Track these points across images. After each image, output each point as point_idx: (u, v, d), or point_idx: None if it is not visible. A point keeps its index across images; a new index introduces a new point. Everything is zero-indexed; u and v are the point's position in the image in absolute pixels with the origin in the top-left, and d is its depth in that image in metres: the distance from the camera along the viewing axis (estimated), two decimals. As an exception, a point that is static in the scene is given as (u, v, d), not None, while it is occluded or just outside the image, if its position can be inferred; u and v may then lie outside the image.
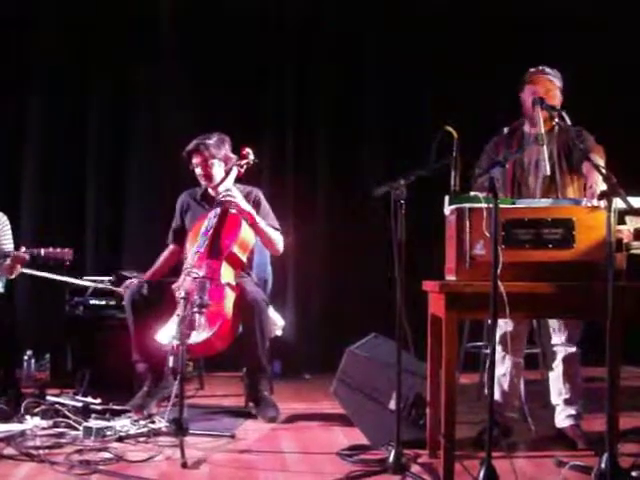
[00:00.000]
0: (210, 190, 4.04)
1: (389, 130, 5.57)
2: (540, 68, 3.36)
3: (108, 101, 5.46)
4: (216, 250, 3.77)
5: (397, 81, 5.53)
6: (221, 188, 3.91)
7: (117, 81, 5.45)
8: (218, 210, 3.86)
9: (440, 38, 5.52)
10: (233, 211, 3.85)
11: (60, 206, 5.40)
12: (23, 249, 3.97)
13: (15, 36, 5.32)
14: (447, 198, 2.85)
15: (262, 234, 3.94)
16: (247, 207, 3.88)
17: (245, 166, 4.03)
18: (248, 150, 4.06)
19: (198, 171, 3.98)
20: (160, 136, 5.48)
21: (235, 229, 3.83)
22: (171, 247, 4.16)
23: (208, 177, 3.97)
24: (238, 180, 4.03)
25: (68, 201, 5.42)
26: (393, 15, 5.54)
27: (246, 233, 3.87)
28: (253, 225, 3.89)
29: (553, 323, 3.34)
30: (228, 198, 3.83)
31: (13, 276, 4.05)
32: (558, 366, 3.32)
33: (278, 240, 4.00)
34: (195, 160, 3.98)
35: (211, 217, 3.86)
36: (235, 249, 3.80)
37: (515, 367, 3.36)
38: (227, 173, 3.98)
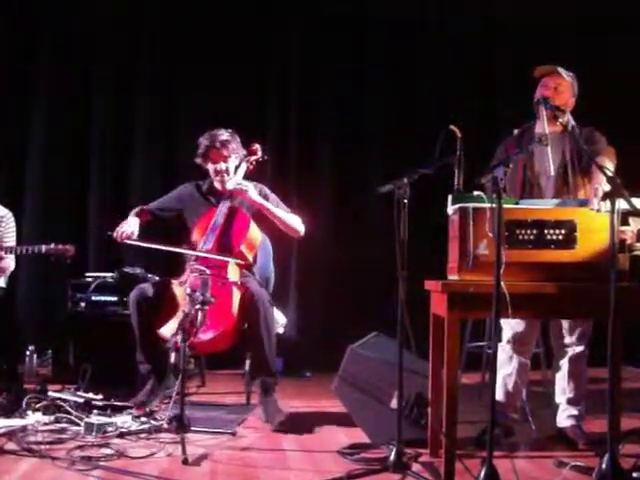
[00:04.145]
0: (217, 184, 4.01)
1: (392, 129, 5.56)
2: (551, 65, 3.31)
3: (111, 100, 5.46)
4: (224, 248, 3.77)
5: (399, 80, 5.54)
6: (230, 184, 3.90)
7: (119, 80, 5.46)
8: (228, 204, 3.86)
9: (441, 38, 5.52)
10: (241, 206, 3.82)
11: (62, 204, 5.41)
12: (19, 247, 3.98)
13: (17, 36, 5.33)
14: (450, 197, 2.85)
15: (278, 220, 3.90)
16: (258, 198, 3.87)
17: (254, 162, 4.03)
18: (257, 146, 4.06)
19: (218, 167, 3.93)
20: (162, 135, 5.49)
21: (244, 228, 3.83)
22: (142, 208, 3.99)
23: (227, 173, 3.93)
24: (246, 177, 4.01)
25: (70, 199, 5.43)
26: (395, 15, 5.53)
27: (254, 232, 3.87)
28: (268, 213, 3.87)
29: (565, 323, 3.31)
30: (240, 187, 3.82)
31: (7, 273, 4.05)
32: (564, 365, 3.31)
33: (296, 222, 3.96)
34: (216, 156, 3.92)
35: (220, 212, 3.85)
36: (243, 248, 3.81)
37: (521, 368, 3.36)
38: (236, 169, 3.98)
